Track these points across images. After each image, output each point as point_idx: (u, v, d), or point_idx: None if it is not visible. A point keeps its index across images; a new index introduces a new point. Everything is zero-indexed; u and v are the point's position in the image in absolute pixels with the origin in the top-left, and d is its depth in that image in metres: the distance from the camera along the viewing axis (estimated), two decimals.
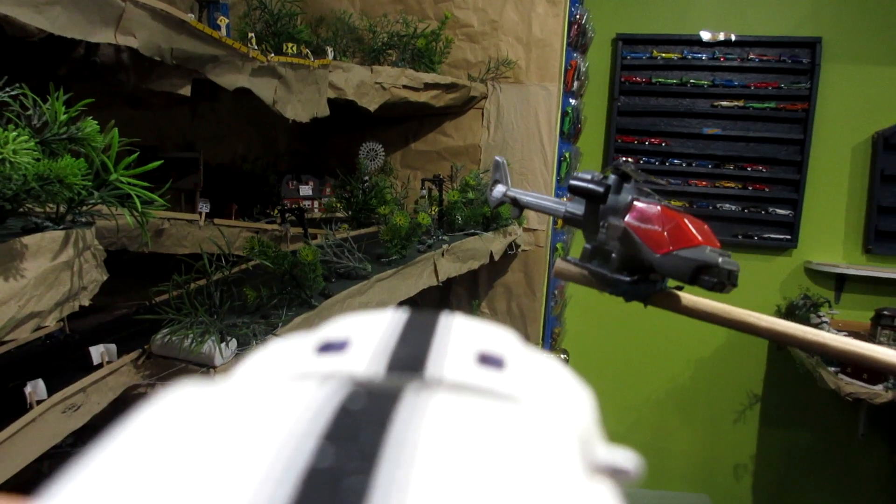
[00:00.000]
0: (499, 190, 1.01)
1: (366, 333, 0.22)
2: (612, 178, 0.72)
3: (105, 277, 0.87)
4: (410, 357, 0.20)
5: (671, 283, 0.71)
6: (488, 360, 0.20)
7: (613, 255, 0.71)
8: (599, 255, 0.74)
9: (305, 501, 0.13)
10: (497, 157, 1.03)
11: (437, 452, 0.15)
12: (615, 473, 0.19)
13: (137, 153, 0.81)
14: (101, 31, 1.04)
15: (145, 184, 0.81)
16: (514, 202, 0.96)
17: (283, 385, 0.18)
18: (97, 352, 1.09)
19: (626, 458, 0.19)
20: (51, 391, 1.00)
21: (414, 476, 0.14)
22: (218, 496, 0.13)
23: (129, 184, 0.78)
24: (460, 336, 0.22)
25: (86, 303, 0.82)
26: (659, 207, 0.68)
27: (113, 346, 1.11)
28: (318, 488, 0.14)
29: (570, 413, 0.20)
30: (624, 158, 3.87)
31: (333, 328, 0.22)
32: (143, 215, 0.82)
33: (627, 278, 0.71)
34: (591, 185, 0.73)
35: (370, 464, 0.14)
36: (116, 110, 1.71)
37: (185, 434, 0.16)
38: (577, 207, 0.78)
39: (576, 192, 0.75)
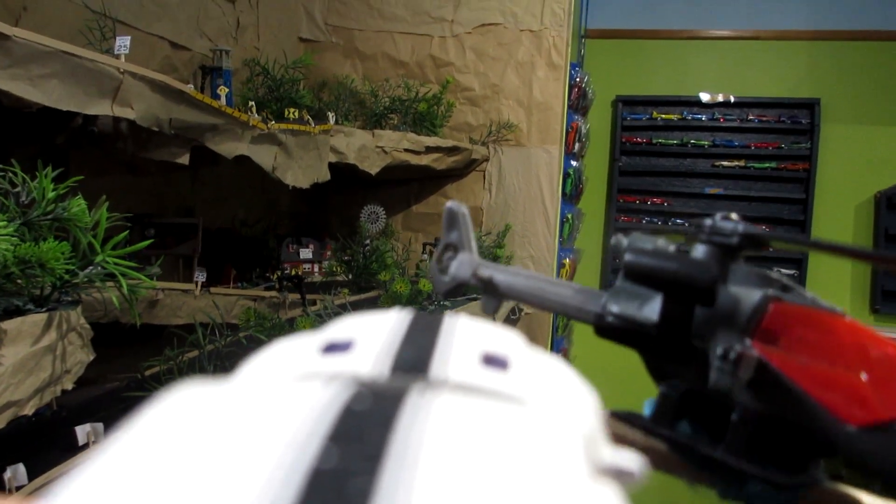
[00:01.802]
0: (459, 264, 0.56)
1: (370, 334, 0.22)
2: (705, 249, 0.41)
3: (91, 358, 0.84)
4: (415, 358, 0.20)
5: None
6: (492, 361, 0.20)
7: (736, 416, 0.37)
8: (692, 412, 0.42)
9: (310, 503, 0.13)
10: (451, 205, 0.57)
11: (441, 453, 0.15)
12: (620, 475, 0.18)
13: (127, 231, 0.79)
14: (98, 103, 1.03)
15: (133, 263, 0.78)
16: (487, 286, 0.53)
17: (288, 385, 0.18)
18: (83, 431, 1.05)
19: (630, 459, 0.19)
20: (34, 475, 0.96)
21: (419, 477, 0.14)
22: (222, 497, 0.13)
23: (116, 263, 0.75)
24: (464, 337, 0.22)
25: (68, 387, 0.78)
26: (849, 321, 0.36)
27: (100, 426, 1.07)
28: (322, 490, 0.13)
29: (574, 414, 0.20)
30: (623, 218, 3.87)
31: (338, 329, 0.22)
32: (131, 293, 0.79)
33: (780, 475, 0.35)
34: (679, 267, 0.39)
35: (375, 465, 0.14)
36: (115, 177, 1.70)
37: (189, 434, 0.15)
38: (637, 308, 0.42)
39: (643, 275, 0.41)
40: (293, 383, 0.18)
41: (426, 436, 0.15)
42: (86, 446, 1.05)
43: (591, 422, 0.20)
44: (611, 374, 3.78)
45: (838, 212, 3.66)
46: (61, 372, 0.75)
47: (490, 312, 0.55)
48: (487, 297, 0.55)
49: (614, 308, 0.43)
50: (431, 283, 0.59)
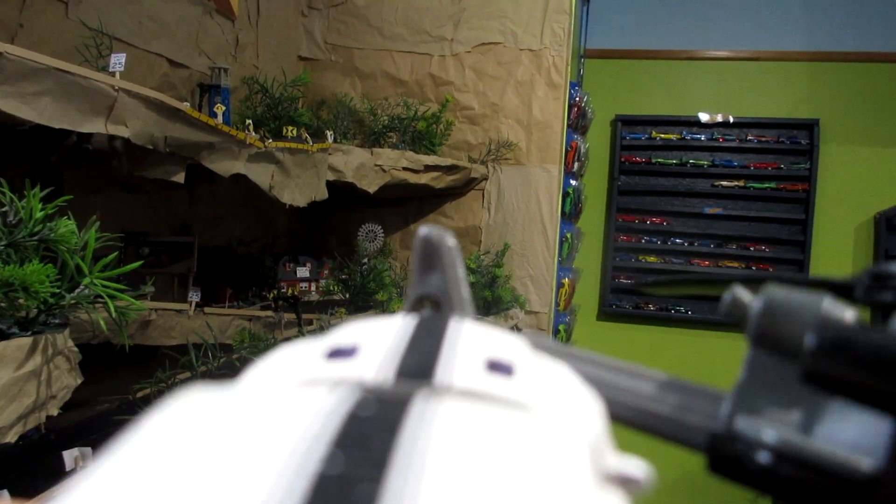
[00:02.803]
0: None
1: (375, 339, 0.21)
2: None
3: (78, 382, 0.81)
4: (419, 363, 0.20)
5: None
6: (497, 367, 0.20)
7: None
8: None
9: None
10: (427, 232, 0.31)
11: (446, 460, 0.15)
12: (626, 483, 0.18)
13: (117, 253, 0.77)
14: (92, 121, 1.02)
15: (121, 285, 0.76)
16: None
17: (293, 391, 0.18)
18: (70, 456, 1.02)
19: (636, 466, 0.19)
20: (24, 500, 0.93)
21: (424, 483, 0.14)
22: (228, 502, 0.13)
23: (104, 285, 0.73)
24: (469, 342, 0.22)
25: (54, 412, 0.76)
26: None
27: (88, 450, 1.04)
28: (328, 495, 0.13)
29: (579, 421, 0.20)
30: (622, 238, 3.85)
31: (342, 334, 0.22)
32: (120, 315, 0.76)
33: None
34: None
35: (380, 471, 0.14)
36: (110, 195, 1.69)
37: (194, 439, 0.15)
38: (806, 434, 0.24)
39: (861, 381, 0.20)
40: (298, 389, 0.18)
41: (431, 442, 0.15)
42: (73, 471, 1.03)
43: (597, 428, 0.20)
44: None
45: (838, 232, 3.65)
46: (46, 397, 0.73)
47: None
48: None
49: (763, 432, 0.23)
50: None
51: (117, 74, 1.05)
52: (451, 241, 0.32)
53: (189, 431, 0.16)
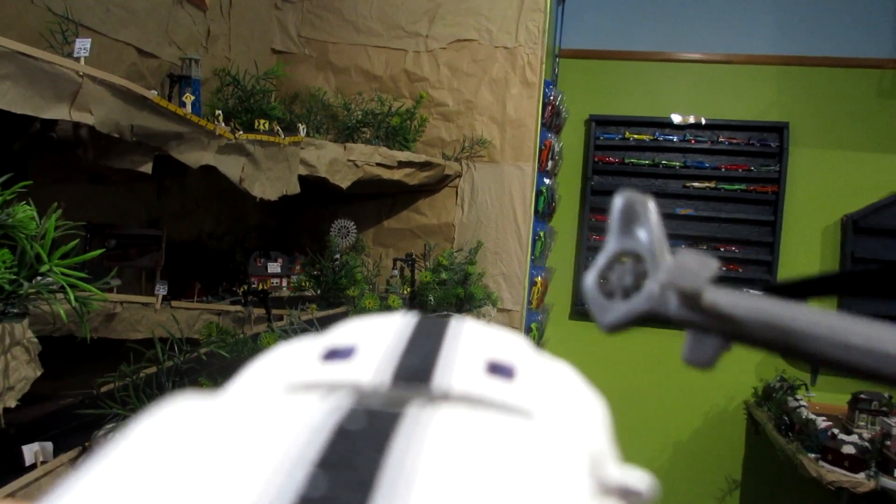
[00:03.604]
0: (653, 282, 0.31)
1: (373, 340, 0.21)
2: None
3: (38, 373, 0.79)
4: (417, 366, 0.20)
5: None
6: (498, 370, 0.20)
7: None
8: None
9: None
10: (628, 195, 0.33)
11: (436, 479, 0.14)
12: (627, 495, 0.18)
13: (78, 241, 0.75)
14: (55, 108, 0.99)
15: (82, 274, 0.74)
16: (713, 319, 0.30)
17: (282, 400, 0.18)
18: (30, 451, 0.99)
19: (638, 478, 0.18)
20: None
21: None
22: None
23: (64, 274, 0.71)
24: (470, 343, 0.21)
25: (12, 404, 0.73)
26: None
27: (49, 445, 1.01)
28: None
29: (581, 429, 0.19)
30: (595, 237, 3.87)
31: (340, 333, 0.22)
32: (82, 306, 0.74)
33: None
34: None
35: (365, 494, 0.14)
36: (76, 186, 1.65)
37: (176, 456, 0.15)
38: None
39: None
40: (288, 397, 0.18)
41: (422, 459, 0.15)
42: (33, 466, 1.00)
43: (600, 437, 0.20)
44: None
45: (806, 234, 3.71)
46: (3, 388, 0.71)
47: (705, 361, 0.31)
48: (703, 338, 0.31)
49: None
50: (592, 311, 0.33)
51: (82, 60, 1.03)
52: (649, 201, 0.32)
53: (172, 447, 0.15)
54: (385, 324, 0.22)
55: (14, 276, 0.67)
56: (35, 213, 0.74)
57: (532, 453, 0.16)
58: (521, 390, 0.19)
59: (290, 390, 0.18)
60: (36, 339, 0.79)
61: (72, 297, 0.70)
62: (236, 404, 0.18)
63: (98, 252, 0.80)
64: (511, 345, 0.22)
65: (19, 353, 0.73)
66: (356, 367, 0.19)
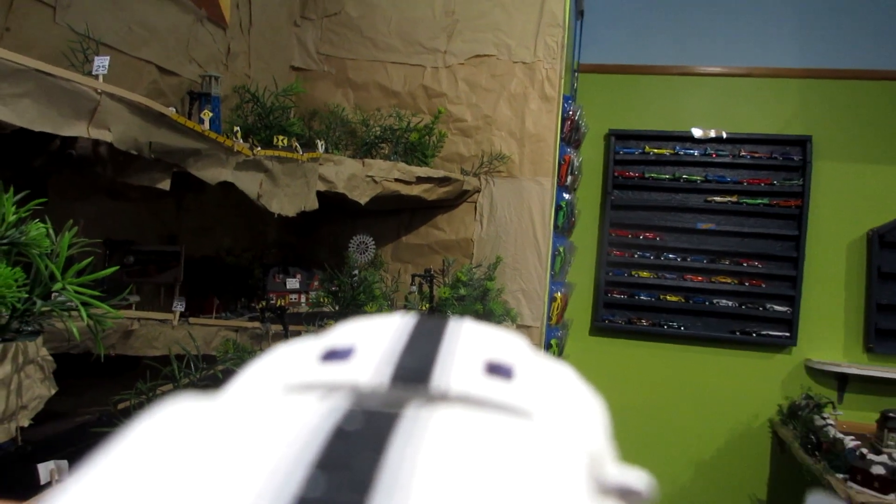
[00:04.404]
0: None
1: (372, 340, 0.21)
2: None
3: (52, 392, 0.78)
4: (416, 366, 0.19)
5: None
6: (497, 370, 0.20)
7: None
8: None
9: None
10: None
11: (434, 479, 0.14)
12: (626, 494, 0.18)
13: (91, 259, 0.74)
14: (74, 125, 0.99)
15: (95, 292, 0.73)
16: None
17: (281, 401, 0.17)
18: (46, 469, 0.99)
19: (637, 478, 0.18)
20: None
21: None
22: None
23: (78, 292, 0.71)
24: (468, 344, 0.21)
25: (25, 423, 0.73)
26: None
27: (64, 463, 1.01)
28: None
29: (580, 429, 0.19)
30: (615, 252, 3.84)
31: (339, 334, 0.22)
32: (97, 324, 0.74)
33: None
34: None
35: (362, 495, 0.14)
36: (96, 203, 1.66)
37: (175, 457, 0.15)
38: None
39: None
40: (287, 398, 0.18)
41: (419, 459, 0.15)
42: (48, 484, 1.00)
43: (599, 436, 0.20)
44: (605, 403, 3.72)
45: (831, 249, 3.65)
46: (16, 408, 0.70)
47: None
48: None
49: None
50: None
51: (100, 77, 1.03)
52: None
53: (170, 448, 0.15)
54: (384, 324, 0.22)
55: (26, 295, 0.66)
56: (51, 230, 0.74)
57: (531, 453, 0.16)
58: (520, 390, 0.19)
59: (289, 391, 0.18)
60: (51, 358, 0.78)
61: (84, 316, 0.70)
62: (235, 405, 0.18)
63: (113, 269, 0.79)
64: (510, 345, 0.22)
65: (33, 371, 0.73)
66: (355, 368, 0.19)
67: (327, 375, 0.19)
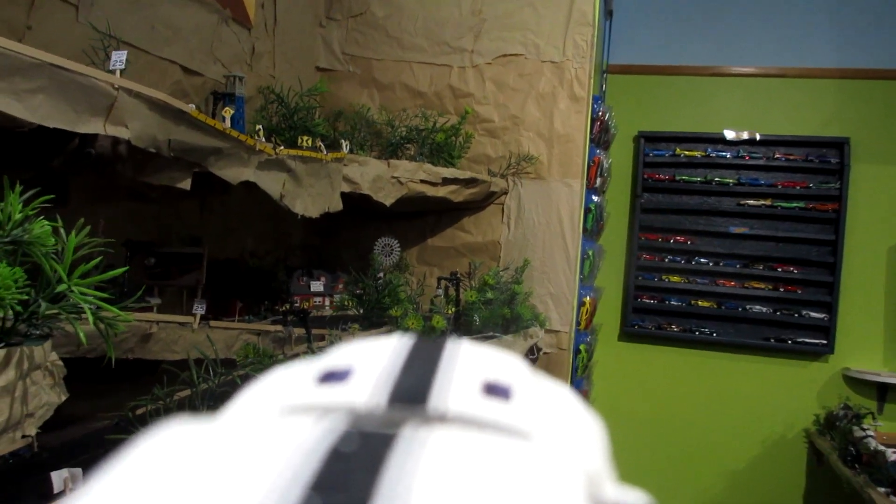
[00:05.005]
0: None
1: (369, 362, 0.21)
2: None
3: (63, 399, 0.75)
4: (414, 387, 0.19)
5: None
6: (495, 391, 0.20)
7: None
8: None
9: None
10: None
11: (430, 500, 0.14)
12: None
13: (99, 259, 0.70)
14: (90, 122, 0.96)
15: (103, 294, 0.70)
16: None
17: (276, 423, 0.17)
18: (59, 477, 0.95)
19: (636, 498, 0.18)
20: None
21: None
22: None
23: (86, 293, 0.67)
24: (466, 364, 0.21)
25: (32, 432, 0.69)
26: None
27: (78, 471, 0.97)
28: None
29: (578, 449, 0.19)
30: (645, 256, 3.76)
31: (337, 356, 0.22)
32: (108, 328, 0.70)
33: None
34: None
35: None
36: (118, 204, 1.64)
37: (170, 480, 0.15)
38: None
39: None
40: (283, 420, 0.18)
41: (416, 480, 0.15)
42: (62, 493, 0.96)
43: (596, 456, 0.20)
44: (632, 418, 3.65)
45: (869, 254, 3.53)
46: (21, 416, 0.66)
47: None
48: None
49: None
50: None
51: (118, 72, 1.00)
52: None
53: (166, 471, 0.15)
54: (381, 346, 0.22)
55: (27, 297, 0.63)
56: (63, 230, 0.70)
57: (529, 473, 0.16)
58: (518, 411, 0.19)
59: (286, 413, 0.18)
60: (61, 363, 0.74)
61: (91, 318, 0.66)
62: (231, 427, 0.18)
63: (122, 270, 0.76)
64: (508, 366, 0.22)
65: (40, 377, 0.69)
66: (352, 390, 0.19)
67: (324, 397, 0.19)
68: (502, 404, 0.19)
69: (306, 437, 0.16)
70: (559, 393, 0.22)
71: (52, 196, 0.69)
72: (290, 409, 0.18)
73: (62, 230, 0.73)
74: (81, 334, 0.67)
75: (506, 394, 0.20)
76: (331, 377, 0.20)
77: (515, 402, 0.19)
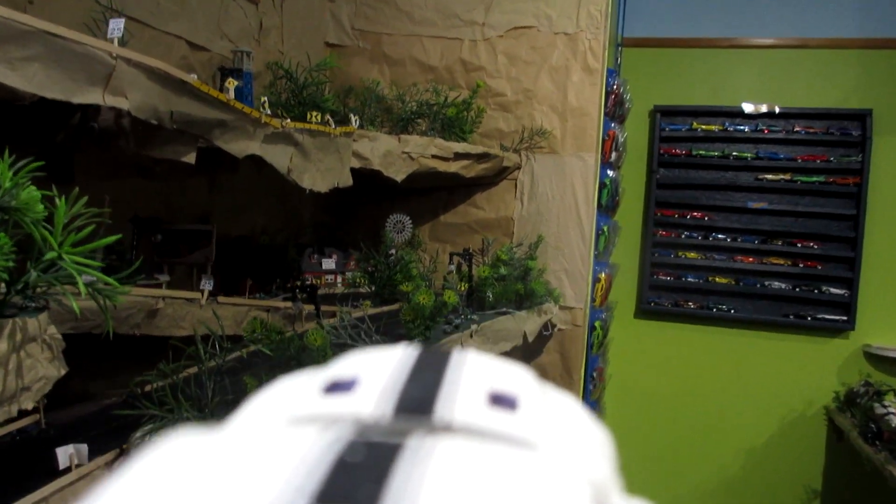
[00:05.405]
0: None
1: (375, 372, 0.21)
2: None
3: (62, 373, 0.73)
4: (419, 397, 0.19)
5: None
6: (501, 401, 0.20)
7: None
8: None
9: None
10: None
11: None
12: None
13: (92, 227, 0.68)
14: (87, 91, 0.94)
15: (97, 263, 0.68)
16: None
17: (282, 433, 0.17)
18: (64, 453, 0.95)
19: None
20: (10, 500, 0.86)
21: None
22: None
23: (77, 263, 0.65)
24: (472, 375, 0.21)
25: (28, 406, 0.67)
26: None
27: (84, 447, 0.96)
28: None
29: (585, 459, 0.19)
30: (661, 232, 3.71)
31: (342, 366, 0.22)
32: (105, 299, 0.68)
33: None
34: None
35: None
36: (125, 181, 1.62)
37: (176, 492, 0.15)
38: None
39: None
40: (289, 430, 0.18)
41: (422, 490, 0.15)
42: (68, 469, 0.95)
43: (603, 467, 0.20)
44: (650, 396, 3.62)
45: (892, 228, 3.45)
46: (17, 389, 0.65)
47: None
48: None
49: None
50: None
51: (115, 41, 0.97)
52: None
53: (172, 483, 0.15)
54: (387, 356, 0.22)
55: (13, 264, 0.61)
56: (57, 199, 0.68)
57: (535, 484, 0.16)
58: (524, 421, 0.19)
59: (291, 423, 0.18)
60: (59, 336, 0.73)
61: (82, 287, 0.64)
62: (237, 437, 0.18)
63: (115, 238, 0.74)
64: (514, 376, 0.22)
65: (36, 350, 0.68)
66: (357, 400, 0.19)
67: (330, 407, 0.19)
68: (508, 414, 0.19)
69: (312, 447, 0.16)
70: (565, 403, 0.22)
71: (43, 163, 0.67)
72: (296, 419, 0.19)
73: (58, 200, 0.71)
74: (74, 304, 0.65)
75: (512, 404, 0.20)
76: (336, 387, 0.20)
77: (521, 413, 0.19)
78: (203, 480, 0.15)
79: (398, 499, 0.14)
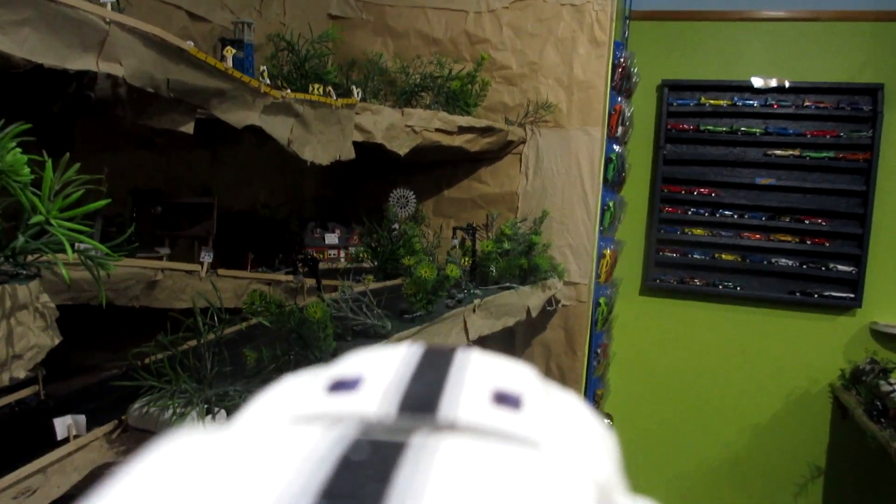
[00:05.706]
0: None
1: (379, 370, 0.21)
2: None
3: (56, 342, 0.72)
4: (424, 396, 0.19)
5: None
6: (505, 400, 0.20)
7: None
8: None
9: None
10: None
11: None
12: None
13: (80, 192, 0.67)
14: (81, 57, 0.92)
15: (87, 228, 0.66)
16: None
17: (287, 432, 0.18)
18: (63, 424, 0.94)
19: None
20: (7, 471, 0.85)
21: None
22: None
23: (67, 228, 0.63)
24: (476, 373, 0.21)
25: (21, 375, 0.67)
26: None
27: (82, 418, 0.96)
28: None
29: (589, 459, 0.19)
30: (667, 209, 3.68)
31: (346, 365, 0.22)
32: (98, 267, 0.67)
33: None
34: None
35: None
36: (125, 153, 1.60)
37: (180, 490, 0.15)
38: None
39: None
40: (293, 429, 0.18)
41: (427, 489, 0.15)
42: (66, 440, 0.95)
43: (607, 467, 0.20)
44: (655, 373, 3.62)
45: None
46: (7, 357, 0.64)
47: None
48: None
49: None
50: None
51: (109, 5, 0.95)
52: None
53: (176, 481, 0.15)
54: (391, 354, 0.22)
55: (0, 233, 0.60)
56: (50, 166, 0.67)
57: (538, 483, 0.16)
58: (528, 420, 0.19)
59: (296, 422, 0.18)
60: (53, 305, 0.72)
61: (70, 252, 0.63)
62: (241, 436, 0.18)
63: (104, 203, 0.72)
64: (518, 375, 0.22)
65: (27, 318, 0.67)
66: (362, 398, 0.19)
67: (334, 406, 0.19)
68: (512, 413, 0.19)
69: (316, 445, 0.16)
70: (570, 402, 0.22)
71: (30, 126, 0.65)
72: (300, 418, 0.19)
73: (50, 167, 0.69)
74: (64, 271, 0.64)
75: (516, 403, 0.20)
76: (340, 386, 0.20)
77: (526, 411, 0.19)
78: (208, 479, 0.15)
79: (402, 497, 0.14)
